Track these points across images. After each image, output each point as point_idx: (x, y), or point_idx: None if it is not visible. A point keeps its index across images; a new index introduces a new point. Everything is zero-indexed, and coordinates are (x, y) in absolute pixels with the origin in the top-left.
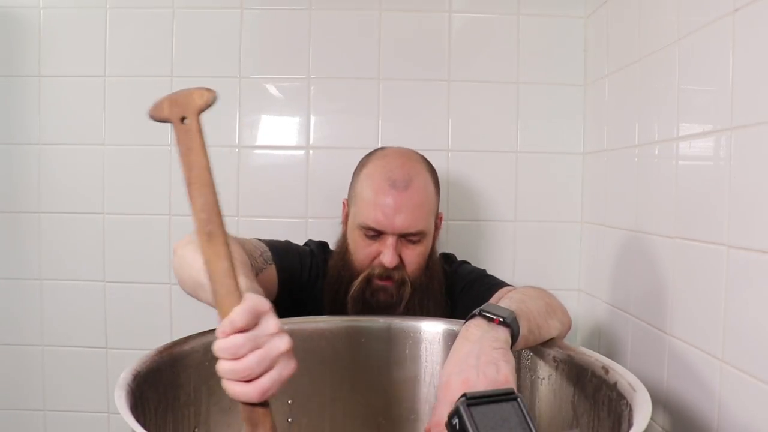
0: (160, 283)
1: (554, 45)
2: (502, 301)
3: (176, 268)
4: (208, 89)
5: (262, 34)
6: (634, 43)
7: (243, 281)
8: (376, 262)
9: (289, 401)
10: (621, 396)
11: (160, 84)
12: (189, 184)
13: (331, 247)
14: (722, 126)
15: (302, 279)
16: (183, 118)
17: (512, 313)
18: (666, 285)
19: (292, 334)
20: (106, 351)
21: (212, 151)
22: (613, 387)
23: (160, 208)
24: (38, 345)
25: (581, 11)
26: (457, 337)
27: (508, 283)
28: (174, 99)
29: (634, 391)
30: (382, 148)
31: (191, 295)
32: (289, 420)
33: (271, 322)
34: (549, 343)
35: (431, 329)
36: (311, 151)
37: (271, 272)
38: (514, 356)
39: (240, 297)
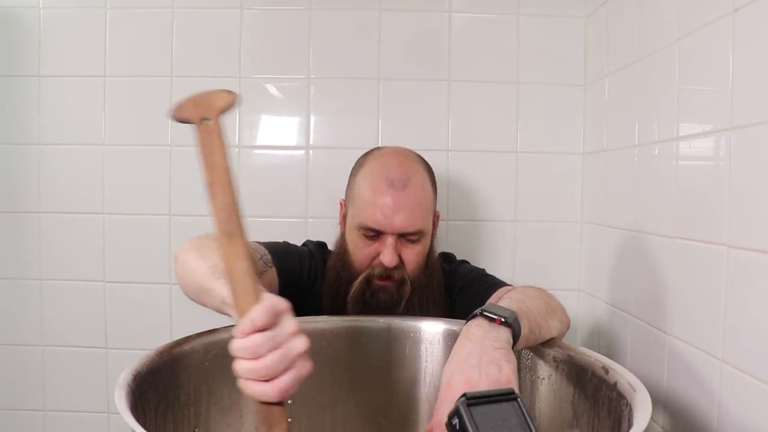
0: (160, 283)
1: (554, 45)
2: (502, 300)
3: (179, 274)
4: (229, 91)
5: (262, 34)
6: (634, 43)
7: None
8: (375, 262)
9: (289, 401)
10: (621, 396)
11: (160, 84)
12: (210, 185)
13: (330, 247)
14: (722, 126)
15: (302, 280)
16: (204, 119)
17: (513, 313)
18: (666, 285)
19: None
20: (106, 351)
21: None
22: (613, 387)
23: (160, 208)
24: (38, 345)
25: (581, 11)
26: (459, 338)
27: (508, 282)
28: (197, 100)
29: (634, 391)
30: (378, 148)
31: (194, 301)
32: (289, 420)
33: (290, 322)
34: (549, 343)
35: (431, 329)
36: (311, 151)
37: (272, 275)
38: (515, 356)
39: (258, 297)
